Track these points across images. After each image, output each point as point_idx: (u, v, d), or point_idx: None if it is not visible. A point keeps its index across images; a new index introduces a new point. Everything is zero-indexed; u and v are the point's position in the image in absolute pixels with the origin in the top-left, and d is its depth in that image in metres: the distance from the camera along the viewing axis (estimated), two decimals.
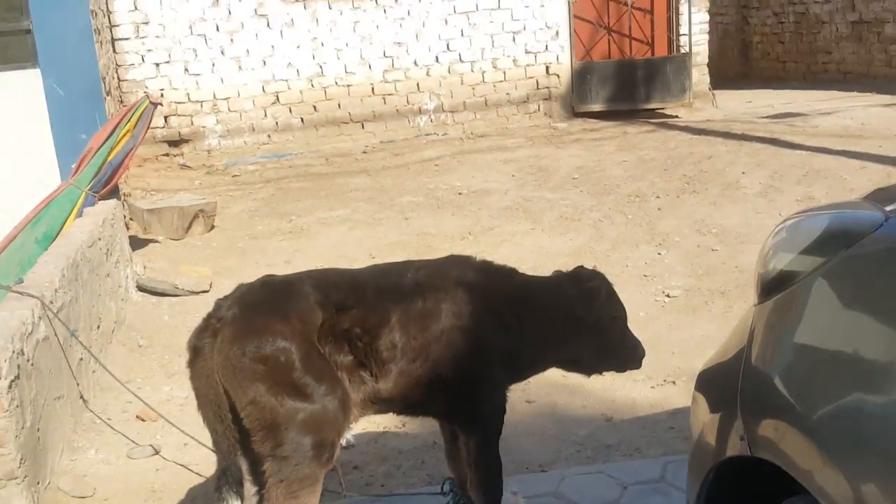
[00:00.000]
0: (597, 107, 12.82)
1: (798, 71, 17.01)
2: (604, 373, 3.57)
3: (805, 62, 16.92)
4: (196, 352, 2.80)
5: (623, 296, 5.92)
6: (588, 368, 3.45)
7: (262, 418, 2.68)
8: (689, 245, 7.05)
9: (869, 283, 1.98)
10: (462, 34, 12.20)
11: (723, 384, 2.46)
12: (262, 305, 2.82)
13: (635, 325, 5.51)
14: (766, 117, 12.03)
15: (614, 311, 3.31)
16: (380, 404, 3.02)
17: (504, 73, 12.53)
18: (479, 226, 7.93)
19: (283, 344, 2.69)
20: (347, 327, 2.84)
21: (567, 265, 6.59)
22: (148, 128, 6.84)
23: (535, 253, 7.14)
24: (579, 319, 3.19)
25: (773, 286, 2.32)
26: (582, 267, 3.44)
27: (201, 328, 2.83)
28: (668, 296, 6.06)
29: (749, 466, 2.28)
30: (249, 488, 2.91)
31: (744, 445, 2.23)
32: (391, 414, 4.54)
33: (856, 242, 2.02)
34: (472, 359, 3.01)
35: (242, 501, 2.83)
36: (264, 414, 2.68)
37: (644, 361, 5.05)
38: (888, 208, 2.07)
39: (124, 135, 6.39)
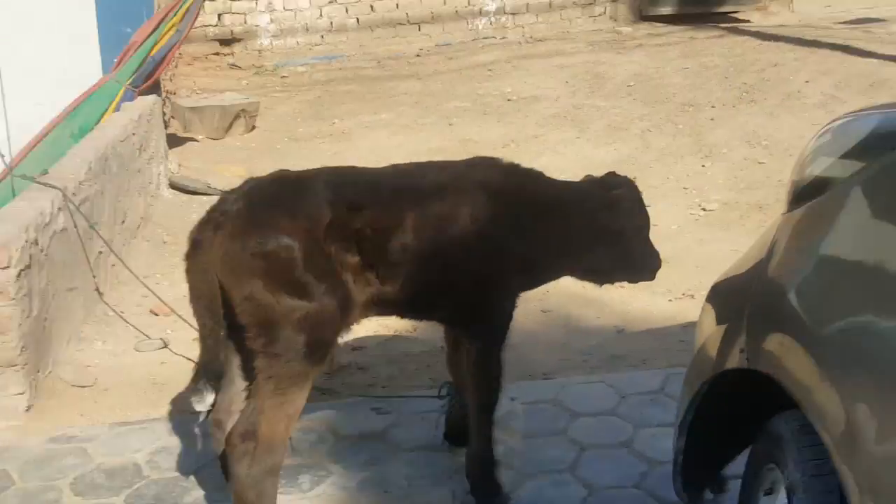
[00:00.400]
0: (666, 9, 12.29)
1: None
2: (615, 283, 3.45)
3: None
4: (195, 245, 2.75)
5: (658, 208, 5.86)
6: (603, 277, 3.33)
7: (257, 315, 2.64)
8: (736, 157, 6.79)
9: None
10: None
11: (733, 296, 2.37)
12: (269, 200, 2.75)
13: (666, 238, 5.40)
14: (843, 23, 11.39)
15: (638, 220, 3.18)
16: (384, 306, 2.96)
17: None
18: (523, 133, 7.76)
19: (286, 241, 2.62)
20: (358, 227, 2.75)
21: None
22: (194, 23, 6.77)
23: (577, 162, 6.96)
24: (601, 227, 3.08)
25: (805, 193, 2.17)
26: (613, 173, 3.30)
27: (204, 221, 2.77)
28: (703, 209, 5.87)
29: (743, 382, 2.20)
30: (240, 384, 2.92)
31: (742, 358, 2.14)
32: (398, 318, 4.60)
33: None
34: (486, 265, 2.90)
35: (217, 395, 2.84)
36: (259, 311, 2.63)
37: (665, 274, 4.92)
38: None
39: (169, 29, 6.34)
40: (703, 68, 9.42)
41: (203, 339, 2.82)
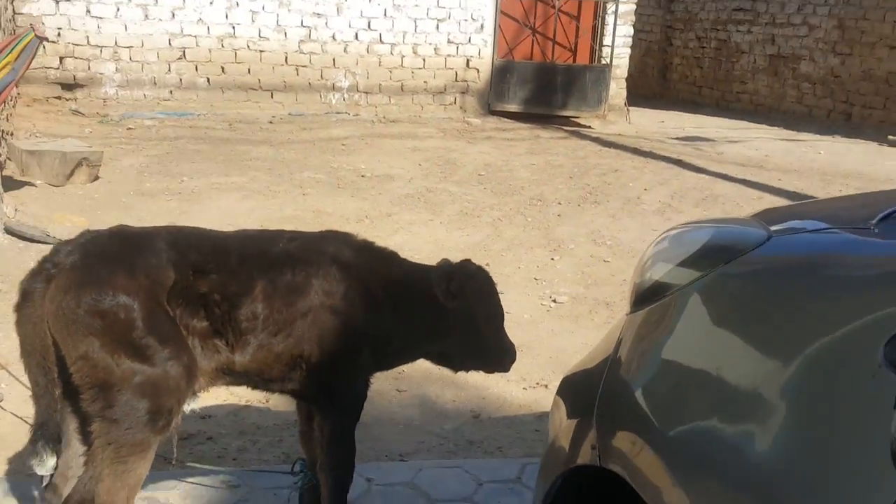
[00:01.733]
0: (513, 107, 12.83)
1: (713, 97, 17.42)
2: (469, 371, 3.42)
3: (720, 89, 17.34)
4: (25, 296, 2.55)
5: (510, 296, 5.98)
6: (456, 364, 3.30)
7: (94, 376, 2.47)
8: (583, 253, 7.05)
9: (740, 303, 1.89)
10: (385, 14, 12.02)
11: (583, 391, 2.38)
12: (106, 255, 2.58)
13: (519, 327, 5.52)
14: (676, 138, 12.24)
15: (489, 309, 3.16)
16: (233, 376, 2.83)
17: (424, 60, 12.41)
18: (377, 210, 7.79)
19: (125, 300, 2.47)
20: (205, 292, 2.64)
21: (459, 259, 6.62)
22: (31, 63, 6.44)
23: (431, 244, 7.04)
24: (452, 314, 3.04)
25: (646, 296, 2.24)
26: (468, 261, 3.25)
27: (35, 271, 2.58)
28: (554, 301, 6.03)
29: (596, 478, 2.20)
30: (77, 447, 2.70)
31: (594, 455, 2.14)
32: (248, 388, 4.43)
33: (734, 259, 1.93)
34: (338, 340, 2.86)
35: (59, 459, 2.62)
36: (96, 372, 2.46)
37: (519, 362, 5.01)
38: (774, 227, 1.99)
39: (3, 66, 6.00)
40: (550, 166, 9.84)
41: (36, 397, 2.63)
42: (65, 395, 2.59)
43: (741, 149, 11.74)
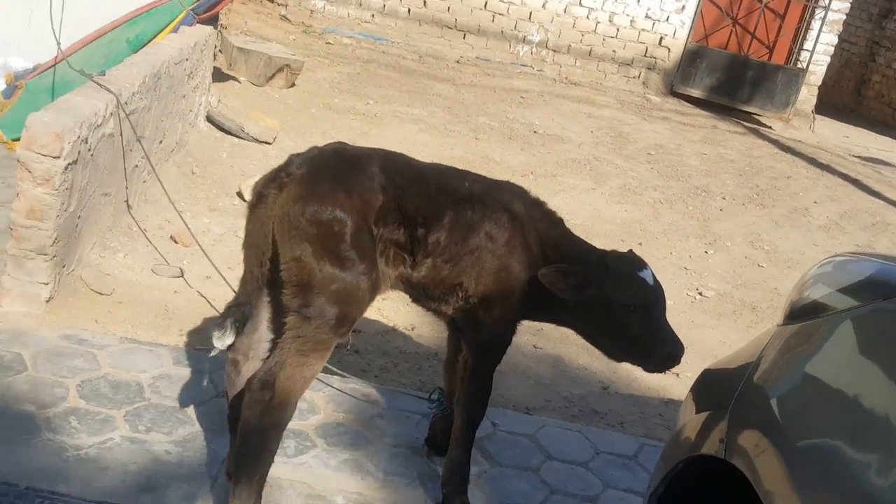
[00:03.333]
0: (697, 92, 12.60)
1: None
2: (621, 361, 3.32)
3: None
4: (260, 198, 2.88)
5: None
6: (604, 350, 3.29)
7: (300, 276, 2.77)
8: (738, 253, 7.00)
9: (891, 338, 1.98)
10: None
11: (723, 384, 2.50)
12: (330, 172, 2.88)
13: None
14: (858, 157, 11.77)
15: (623, 293, 3.07)
16: (406, 286, 3.12)
17: (618, 29, 12.32)
18: (543, 168, 7.92)
19: (341, 215, 2.77)
20: (406, 212, 2.93)
21: (614, 234, 6.73)
22: None
23: (588, 212, 7.14)
24: (603, 297, 3.07)
25: (801, 312, 2.35)
26: (632, 251, 3.27)
27: (270, 177, 2.90)
28: (700, 293, 6.06)
29: (717, 469, 2.34)
30: (264, 334, 3.02)
31: (721, 447, 2.28)
32: (403, 313, 4.72)
33: (893, 296, 2.02)
34: (493, 282, 3.07)
35: (237, 339, 2.93)
36: (303, 273, 2.76)
37: None
38: None
39: None
40: (721, 159, 9.69)
41: (244, 282, 2.95)
42: (269, 287, 2.90)
43: None
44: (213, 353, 3.02)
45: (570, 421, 4.17)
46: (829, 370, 2.08)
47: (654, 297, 3.11)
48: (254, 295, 2.91)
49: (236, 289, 3.08)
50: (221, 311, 2.95)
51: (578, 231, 3.47)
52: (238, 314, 2.89)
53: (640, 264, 3.14)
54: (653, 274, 3.14)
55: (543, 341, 4.86)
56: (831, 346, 2.13)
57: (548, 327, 4.95)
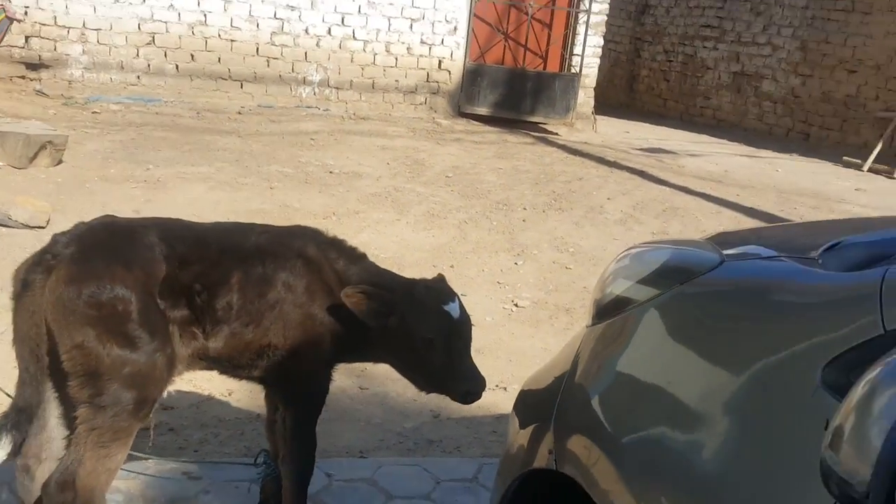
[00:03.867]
0: (483, 110, 12.94)
1: (677, 110, 17.70)
2: (429, 392, 3.23)
3: (685, 103, 17.62)
4: (25, 285, 2.63)
5: (473, 299, 6.09)
6: (414, 381, 3.20)
7: (87, 364, 2.56)
8: (546, 259, 7.18)
9: (693, 321, 2.02)
10: (359, 10, 12.06)
11: (543, 396, 2.49)
12: (103, 248, 2.69)
13: (480, 329, 5.62)
14: (640, 149, 12.43)
15: (425, 325, 2.97)
16: (207, 361, 2.94)
17: (396, 58, 12.47)
18: (344, 207, 7.85)
19: (123, 292, 2.58)
20: (187, 282, 2.75)
21: (425, 261, 6.72)
22: (0, 42, 6.38)
23: (397, 244, 7.12)
24: (409, 328, 2.98)
25: (606, 310, 2.36)
26: (443, 281, 3.18)
27: (34, 262, 2.66)
28: (516, 305, 6.14)
29: (552, 482, 2.31)
30: (54, 432, 2.77)
31: (551, 459, 2.25)
32: (217, 380, 4.48)
33: (689, 280, 2.05)
34: (300, 333, 2.95)
35: (24, 443, 2.68)
36: (89, 360, 2.56)
37: (480, 365, 5.13)
38: (727, 252, 2.11)
39: None
40: (516, 171, 9.96)
41: (21, 382, 2.70)
42: (52, 380, 2.66)
43: (702, 163, 11.96)
44: (1, 460, 2.74)
45: (407, 455, 4.09)
46: (641, 363, 2.09)
47: (455, 330, 3.01)
48: (33, 396, 2.66)
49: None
50: None
51: (388, 264, 3.40)
52: (19, 417, 2.64)
53: (446, 296, 3.04)
54: (460, 307, 3.04)
55: (368, 381, 4.76)
56: (639, 339, 2.15)
57: (371, 367, 4.86)
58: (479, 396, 3.07)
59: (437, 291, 3.06)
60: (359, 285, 2.93)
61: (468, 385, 3.03)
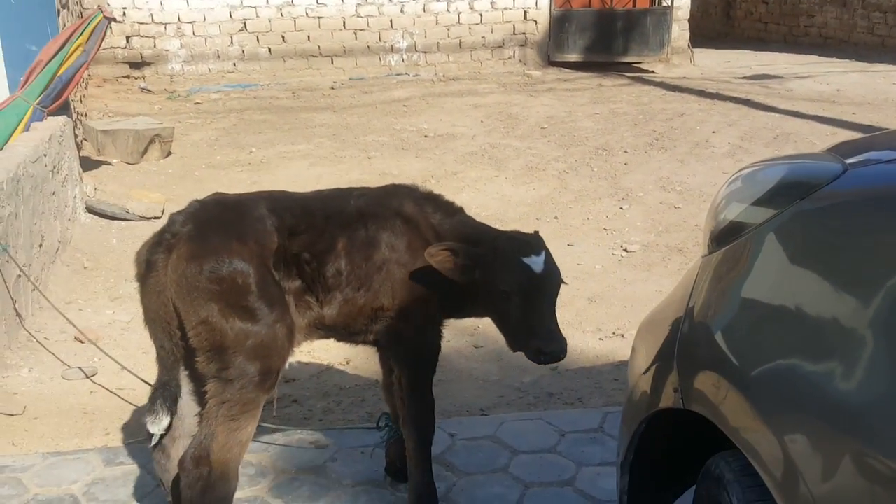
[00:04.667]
0: (573, 56, 12.67)
1: (779, 33, 16.93)
2: (515, 351, 3.02)
3: (787, 24, 16.82)
4: (149, 266, 2.69)
5: (581, 248, 5.98)
6: (505, 337, 3.04)
7: (212, 339, 2.61)
8: (652, 201, 6.99)
9: (818, 238, 1.87)
10: None
11: (662, 335, 2.39)
12: (218, 224, 2.72)
13: (592, 278, 5.53)
14: (743, 78, 11.96)
15: (504, 278, 2.87)
16: (323, 330, 2.96)
17: (481, 15, 12.31)
18: (442, 170, 7.82)
19: (241, 266, 2.61)
20: (297, 252, 2.77)
21: (528, 215, 6.64)
22: (101, 44, 6.57)
23: (497, 200, 7.06)
24: (492, 282, 2.89)
25: (722, 237, 2.24)
26: (536, 233, 3.06)
27: (154, 242, 2.72)
28: (626, 250, 6.00)
29: (681, 420, 2.22)
30: (192, 407, 2.84)
31: (677, 398, 2.16)
32: (334, 350, 4.54)
33: (810, 194, 1.90)
34: (406, 292, 2.93)
35: (173, 419, 2.75)
36: (214, 335, 2.60)
37: (593, 313, 5.08)
38: (849, 160, 1.96)
39: (75, 49, 6.14)
40: (613, 114, 9.72)
41: (160, 359, 2.76)
42: (185, 357, 2.72)
43: (812, 84, 11.42)
44: (153, 442, 2.83)
45: (528, 410, 4.05)
46: (765, 289, 1.96)
47: (535, 285, 2.87)
48: (174, 370, 2.73)
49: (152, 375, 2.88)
50: (149, 396, 2.76)
51: (490, 221, 3.31)
52: (166, 394, 2.71)
53: (530, 248, 2.91)
54: (546, 261, 2.89)
55: (483, 340, 4.73)
56: (760, 264, 2.01)
57: (484, 326, 4.84)
58: (555, 357, 2.88)
59: (521, 243, 2.94)
60: (442, 243, 2.87)
61: (540, 343, 2.85)
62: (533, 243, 2.94)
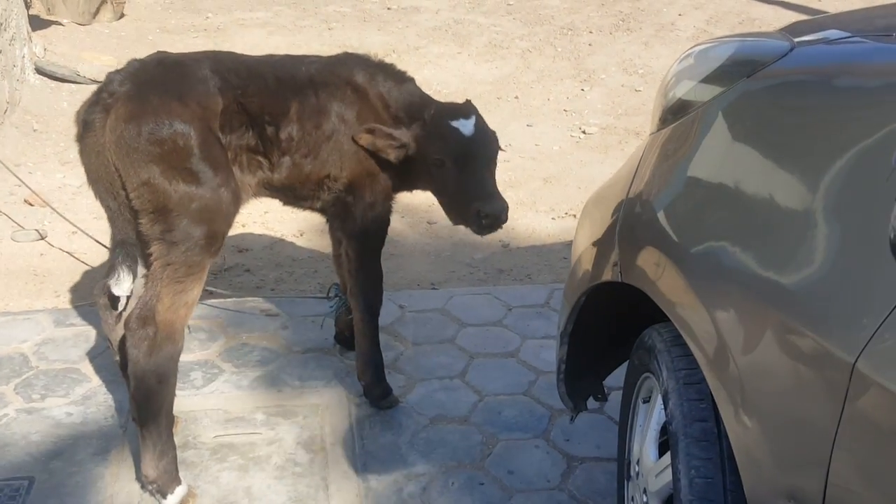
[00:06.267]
0: None
1: None
2: (456, 224, 3.05)
3: None
4: (86, 126, 2.61)
5: (540, 129, 5.98)
6: (446, 212, 3.06)
7: (155, 201, 2.56)
8: (614, 83, 6.95)
9: (762, 116, 1.87)
10: None
11: (607, 211, 2.43)
12: (158, 83, 2.63)
13: (549, 159, 5.54)
14: None
15: (435, 146, 2.89)
16: (271, 191, 2.96)
17: None
18: (404, 44, 7.67)
19: (182, 128, 2.55)
20: (251, 112, 2.73)
21: (489, 94, 6.58)
22: None
23: (459, 77, 6.97)
24: (434, 150, 2.90)
25: (669, 114, 2.24)
26: (467, 101, 3.05)
27: (91, 101, 2.63)
28: (584, 132, 6.01)
29: (618, 295, 2.28)
30: (139, 270, 2.83)
31: (616, 272, 2.21)
32: (289, 221, 4.54)
33: (756, 72, 1.90)
34: (355, 163, 2.93)
35: (134, 279, 2.76)
36: (157, 197, 2.55)
37: (548, 193, 5.12)
38: (798, 39, 1.94)
39: None
40: None
41: (111, 220, 2.73)
42: (125, 221, 2.68)
43: None
44: (121, 306, 2.83)
45: (477, 286, 4.12)
46: (708, 167, 1.97)
47: (467, 148, 2.88)
48: (126, 228, 2.68)
49: (105, 238, 2.86)
50: (108, 257, 2.74)
51: (451, 98, 3.28)
52: (124, 253, 2.70)
53: (457, 113, 2.91)
54: (476, 124, 2.89)
55: (437, 215, 4.75)
56: (706, 141, 2.01)
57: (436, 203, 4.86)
58: (495, 219, 2.86)
59: (449, 110, 2.94)
60: (368, 125, 2.87)
61: (479, 204, 2.83)
62: (462, 108, 2.95)
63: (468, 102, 3.03)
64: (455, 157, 2.88)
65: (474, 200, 2.85)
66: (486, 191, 2.87)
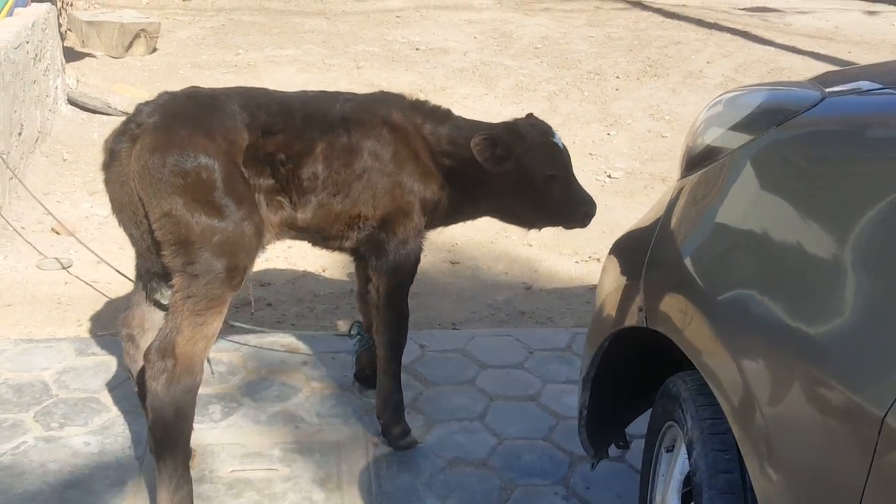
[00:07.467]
0: None
1: None
2: (542, 228, 3.30)
3: None
4: (112, 155, 2.64)
5: None
6: (525, 223, 3.27)
7: (177, 233, 2.57)
8: (640, 128, 6.96)
9: (792, 165, 1.86)
10: None
11: (632, 255, 2.41)
12: (186, 117, 2.65)
13: None
14: (742, 9, 11.79)
15: (545, 167, 3.02)
16: (296, 231, 2.95)
17: None
18: (431, 84, 7.73)
19: (206, 161, 2.57)
20: (272, 151, 2.73)
21: None
22: None
23: (485, 118, 6.91)
24: (512, 169, 2.99)
25: (698, 160, 2.23)
26: (532, 115, 3.23)
27: (119, 131, 2.66)
28: (609, 176, 6.01)
29: (643, 340, 2.25)
30: (152, 300, 2.85)
31: (641, 317, 2.19)
32: (311, 257, 4.55)
33: (786, 121, 1.89)
34: (389, 202, 2.93)
35: (129, 311, 2.77)
36: (179, 228, 2.56)
37: (572, 237, 5.08)
38: (829, 89, 1.94)
39: None
40: (609, 39, 9.60)
41: (135, 246, 2.76)
42: (148, 250, 2.70)
43: (811, 20, 11.28)
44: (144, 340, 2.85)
45: (499, 327, 4.10)
46: (737, 214, 1.96)
47: (567, 160, 3.12)
48: (152, 253, 2.68)
49: (129, 269, 2.88)
50: (134, 286, 2.76)
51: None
52: (153, 278, 2.75)
53: (550, 130, 3.14)
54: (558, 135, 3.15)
55: (459, 255, 4.76)
56: (734, 189, 2.00)
57: (461, 242, 4.86)
58: (593, 213, 3.20)
59: (543, 127, 3.13)
60: (483, 132, 2.96)
61: (586, 207, 3.16)
62: (546, 125, 3.17)
63: (534, 116, 3.21)
64: (564, 171, 3.10)
65: (581, 205, 3.16)
66: (585, 193, 3.19)
